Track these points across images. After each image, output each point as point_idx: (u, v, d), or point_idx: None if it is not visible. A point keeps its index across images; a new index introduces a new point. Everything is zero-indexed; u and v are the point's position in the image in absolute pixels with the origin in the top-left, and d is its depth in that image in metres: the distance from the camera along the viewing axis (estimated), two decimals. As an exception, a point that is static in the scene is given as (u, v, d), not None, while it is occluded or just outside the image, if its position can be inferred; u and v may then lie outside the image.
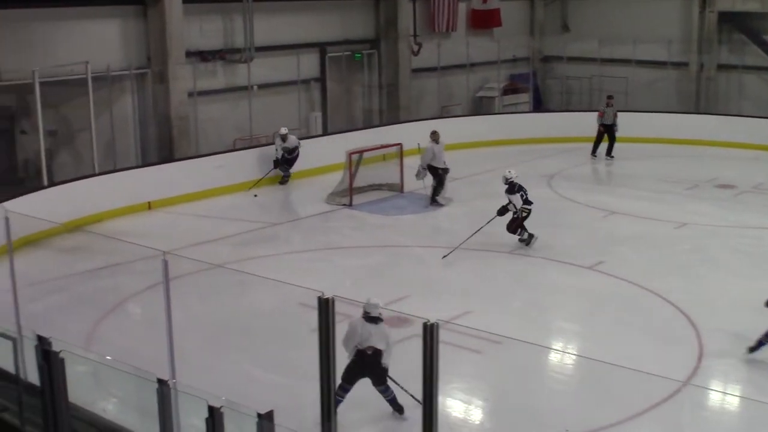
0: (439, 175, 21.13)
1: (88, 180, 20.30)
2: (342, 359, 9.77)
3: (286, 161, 23.28)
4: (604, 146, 26.55)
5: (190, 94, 23.61)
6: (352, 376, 10.59)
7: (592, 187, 24.81)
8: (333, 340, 7.03)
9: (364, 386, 10.63)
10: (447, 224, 20.01)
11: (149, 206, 21.08)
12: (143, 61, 23.15)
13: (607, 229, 19.45)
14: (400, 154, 22.74)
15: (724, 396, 11.98)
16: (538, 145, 28.02)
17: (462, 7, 31.82)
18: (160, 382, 7.39)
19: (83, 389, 9.06)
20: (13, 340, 8.62)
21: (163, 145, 23.31)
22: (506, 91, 32.17)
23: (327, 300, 6.78)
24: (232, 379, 11.85)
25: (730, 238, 18.67)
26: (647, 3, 31.79)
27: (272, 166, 23.23)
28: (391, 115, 29.24)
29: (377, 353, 10.48)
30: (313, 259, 17.78)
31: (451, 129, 26.50)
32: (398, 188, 22.60)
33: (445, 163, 21.07)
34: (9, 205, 15.47)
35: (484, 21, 32.65)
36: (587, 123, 26.84)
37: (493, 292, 15.74)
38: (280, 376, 11.09)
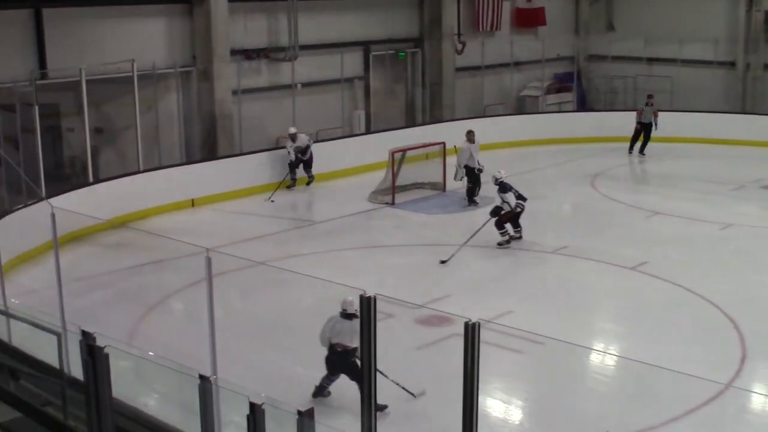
0: (476, 175, 21.13)
1: (132, 177, 20.52)
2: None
3: (301, 163, 22.68)
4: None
5: (234, 92, 23.70)
6: (330, 368, 11.02)
7: (636, 187, 24.64)
8: (374, 338, 7.02)
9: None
10: (489, 224, 19.89)
11: (192, 203, 21.25)
12: (188, 59, 23.28)
13: (650, 230, 19.30)
14: (443, 153, 22.74)
15: (767, 399, 11.85)
16: (581, 145, 27.83)
17: (506, 6, 31.61)
18: (202, 378, 7.43)
19: (126, 384, 9.13)
20: (58, 335, 8.72)
21: (206, 143, 23.45)
22: (550, 91, 31.89)
23: (369, 298, 6.75)
24: (272, 376, 11.92)
25: (776, 240, 18.46)
26: (693, 2, 31.43)
27: (288, 171, 22.59)
28: (434, 114, 29.18)
29: (347, 351, 10.74)
30: (355, 257, 17.84)
31: (495, 128, 26.52)
32: (441, 187, 22.57)
33: (479, 162, 21.06)
34: (55, 201, 15.58)
35: (528, 20, 32.45)
36: (632, 123, 26.63)
37: (535, 292, 15.68)
38: (320, 374, 11.12)
